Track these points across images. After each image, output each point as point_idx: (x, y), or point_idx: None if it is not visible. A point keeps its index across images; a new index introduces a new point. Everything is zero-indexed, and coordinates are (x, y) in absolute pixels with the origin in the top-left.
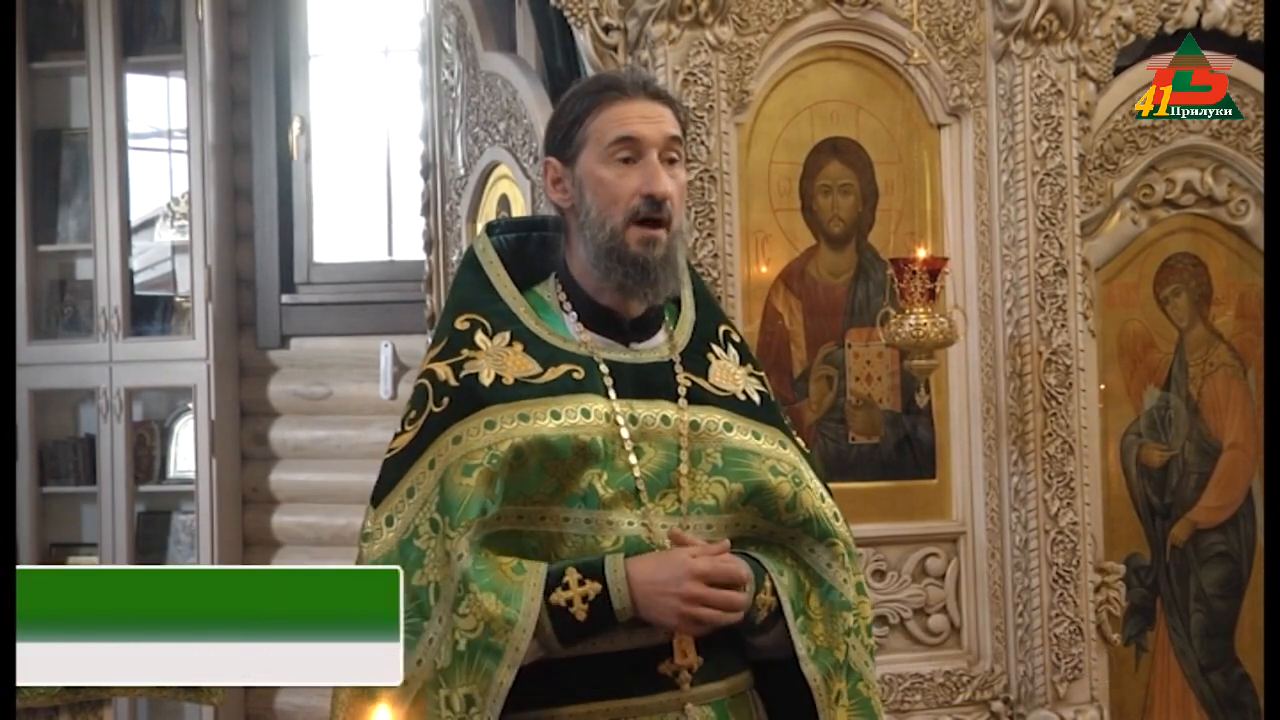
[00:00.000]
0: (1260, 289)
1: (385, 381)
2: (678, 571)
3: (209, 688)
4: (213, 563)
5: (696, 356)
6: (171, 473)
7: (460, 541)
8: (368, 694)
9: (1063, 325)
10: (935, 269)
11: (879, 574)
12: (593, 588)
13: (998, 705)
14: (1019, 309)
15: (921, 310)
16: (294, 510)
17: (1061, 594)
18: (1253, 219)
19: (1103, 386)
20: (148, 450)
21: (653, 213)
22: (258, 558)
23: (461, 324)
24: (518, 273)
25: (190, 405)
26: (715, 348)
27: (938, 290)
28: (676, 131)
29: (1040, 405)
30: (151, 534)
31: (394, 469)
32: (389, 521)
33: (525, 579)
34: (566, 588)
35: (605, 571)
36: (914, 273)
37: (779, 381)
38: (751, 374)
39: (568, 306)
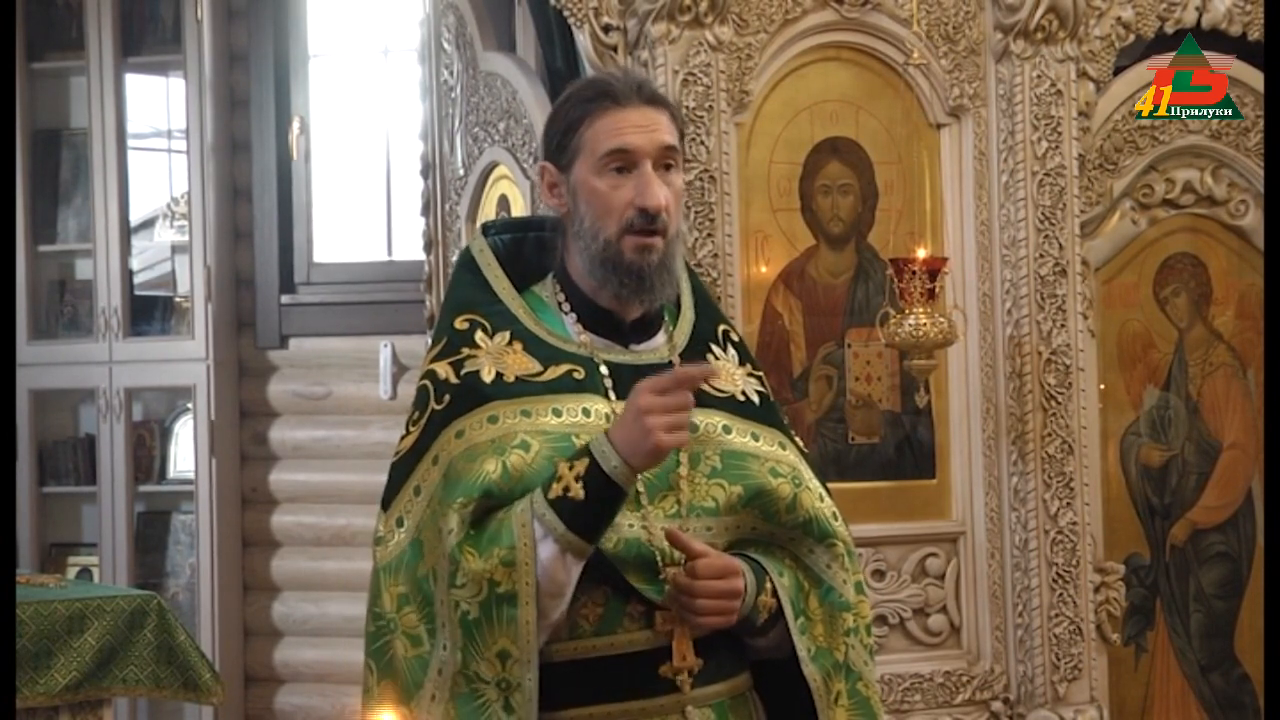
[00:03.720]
0: (1260, 289)
1: (385, 381)
2: (632, 401)
3: (209, 688)
4: (212, 563)
5: (696, 357)
6: (171, 473)
7: (452, 517)
8: (400, 697)
9: (1062, 325)
10: (935, 269)
11: (879, 574)
12: (581, 464)
13: (997, 705)
14: (1019, 309)
15: (921, 310)
16: (294, 510)
17: (1061, 594)
18: (1252, 219)
19: (1102, 386)
20: (148, 450)
21: (647, 225)
22: (257, 558)
23: (461, 324)
24: (514, 273)
25: (190, 405)
26: (714, 348)
27: (937, 290)
28: (672, 139)
29: (1040, 405)
30: (151, 534)
31: (400, 470)
32: (399, 523)
33: (510, 511)
34: (560, 479)
35: (590, 446)
36: (914, 273)
37: (779, 381)
38: (751, 374)
39: (566, 307)
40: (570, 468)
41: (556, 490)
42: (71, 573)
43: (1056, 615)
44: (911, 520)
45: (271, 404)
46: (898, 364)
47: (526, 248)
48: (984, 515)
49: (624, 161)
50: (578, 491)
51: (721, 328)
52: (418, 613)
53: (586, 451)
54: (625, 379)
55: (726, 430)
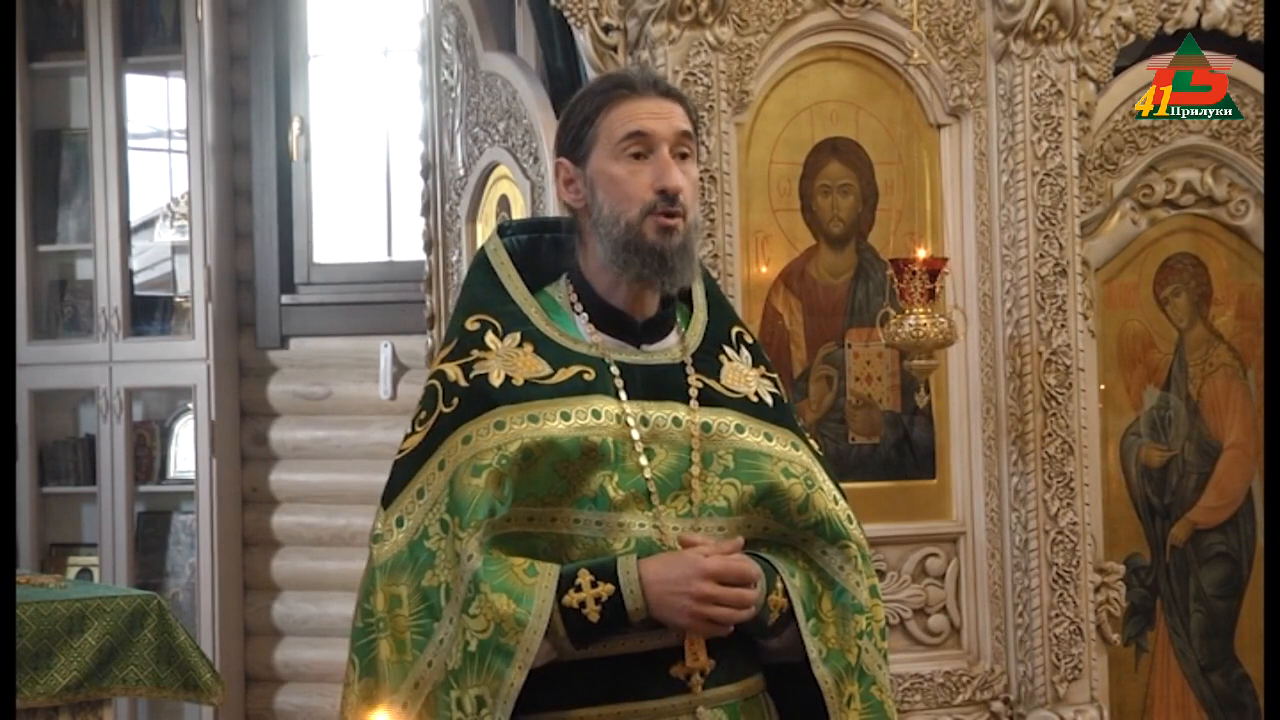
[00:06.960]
0: (1260, 289)
1: (385, 381)
2: (689, 570)
3: (209, 688)
4: (213, 563)
5: (708, 358)
6: (171, 473)
7: (470, 542)
8: (377, 696)
9: (1062, 325)
10: (935, 269)
11: (879, 574)
12: (605, 589)
13: (998, 705)
14: (1019, 309)
15: (921, 310)
16: (294, 510)
17: (1061, 594)
18: (1252, 219)
19: (1103, 387)
20: (148, 450)
21: (668, 206)
22: (258, 558)
23: (472, 325)
24: (529, 274)
25: (190, 405)
26: (727, 349)
27: (937, 290)
28: (688, 126)
29: (1040, 405)
30: (151, 534)
31: (404, 470)
32: (399, 523)
33: (537, 580)
34: (579, 589)
35: (618, 572)
36: (914, 273)
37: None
38: (764, 375)
39: (579, 308)
40: (593, 584)
41: (572, 600)
42: (71, 573)
43: (1056, 615)
44: (912, 520)
45: (272, 404)
46: (898, 364)
47: (542, 248)
48: (984, 515)
49: (642, 146)
50: (593, 613)
51: (735, 329)
52: (412, 619)
53: (613, 574)
54: (636, 379)
55: (739, 429)
